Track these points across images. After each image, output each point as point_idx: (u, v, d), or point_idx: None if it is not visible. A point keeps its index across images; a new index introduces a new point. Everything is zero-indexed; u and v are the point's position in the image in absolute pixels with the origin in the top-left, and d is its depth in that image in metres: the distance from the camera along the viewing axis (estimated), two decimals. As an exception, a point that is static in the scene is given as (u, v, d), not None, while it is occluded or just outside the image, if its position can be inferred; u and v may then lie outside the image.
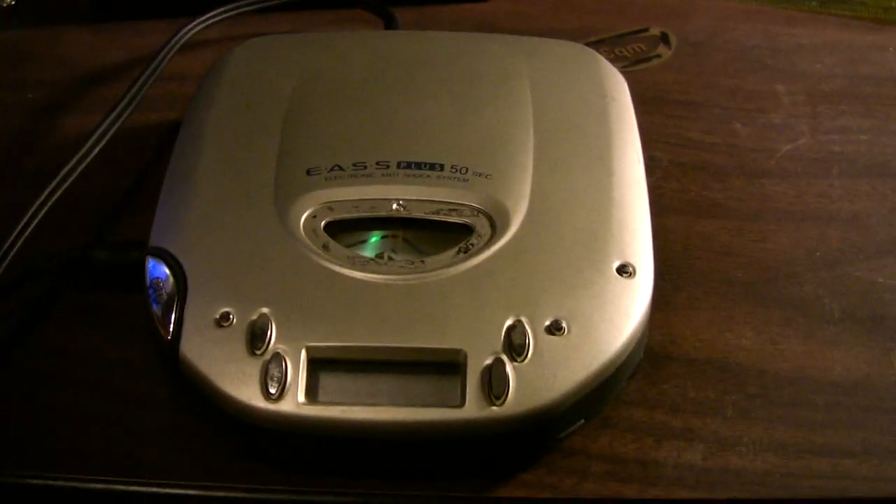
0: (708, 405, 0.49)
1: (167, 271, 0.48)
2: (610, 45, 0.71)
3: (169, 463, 0.47)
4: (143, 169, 0.62)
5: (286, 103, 0.55)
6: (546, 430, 0.45)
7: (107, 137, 0.60)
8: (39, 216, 0.54)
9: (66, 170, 0.57)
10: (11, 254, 0.53)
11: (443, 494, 0.46)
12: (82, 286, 0.55)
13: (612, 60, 0.61)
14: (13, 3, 0.79)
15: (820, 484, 0.46)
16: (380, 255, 0.49)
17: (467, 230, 0.49)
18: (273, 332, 0.45)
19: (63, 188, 0.56)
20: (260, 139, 0.54)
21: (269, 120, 0.55)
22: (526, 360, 0.44)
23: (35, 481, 0.47)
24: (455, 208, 0.50)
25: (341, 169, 0.51)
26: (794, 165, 0.62)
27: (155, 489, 0.47)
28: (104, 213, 0.60)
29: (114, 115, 0.61)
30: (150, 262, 0.49)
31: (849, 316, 0.54)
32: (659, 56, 0.71)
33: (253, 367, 0.44)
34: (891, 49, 0.72)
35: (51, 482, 0.47)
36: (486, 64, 0.58)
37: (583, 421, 0.46)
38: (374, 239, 0.50)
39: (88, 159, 0.58)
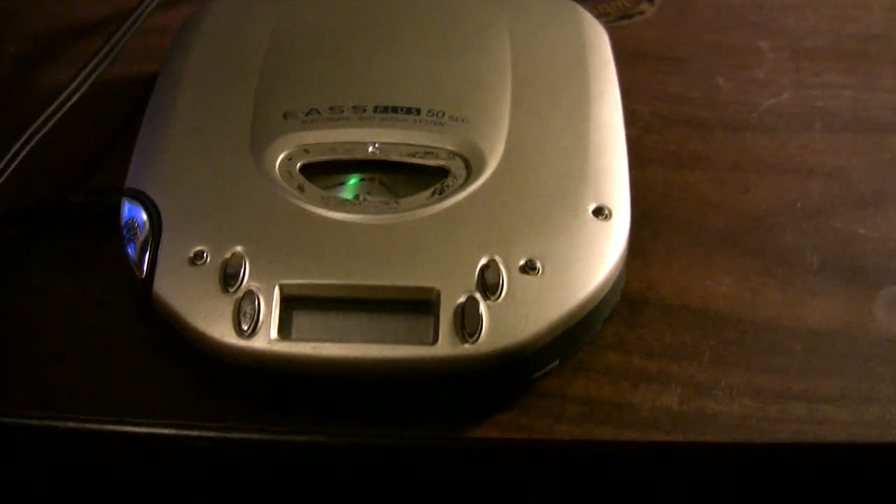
0: (685, 350, 0.49)
1: (142, 212, 0.48)
2: (593, 1, 0.71)
3: (144, 402, 0.47)
4: (122, 120, 0.62)
5: (263, 50, 0.55)
6: (519, 369, 0.45)
7: (84, 87, 0.59)
8: (16, 162, 0.54)
9: (42, 117, 0.56)
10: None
11: (416, 434, 0.46)
12: (60, 230, 0.54)
13: (595, 17, 0.60)
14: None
15: (797, 428, 0.46)
16: (356, 197, 0.48)
17: (443, 173, 0.49)
18: (246, 271, 0.45)
19: (40, 135, 0.56)
20: (236, 85, 0.53)
21: (246, 66, 0.54)
22: (499, 299, 0.44)
23: (9, 420, 0.47)
24: (431, 151, 0.49)
25: (318, 113, 0.51)
26: (777, 120, 0.62)
27: (129, 428, 0.47)
28: (83, 161, 0.59)
29: (92, 65, 0.61)
30: (126, 204, 0.49)
31: (829, 266, 0.53)
32: (642, 13, 0.70)
33: (226, 305, 0.44)
34: (876, 7, 0.71)
35: (25, 421, 0.47)
36: (465, 12, 0.58)
37: (557, 362, 0.46)
38: (350, 181, 0.49)
39: (66, 107, 0.58)
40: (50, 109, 0.57)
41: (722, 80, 0.65)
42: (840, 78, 0.65)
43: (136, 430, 0.46)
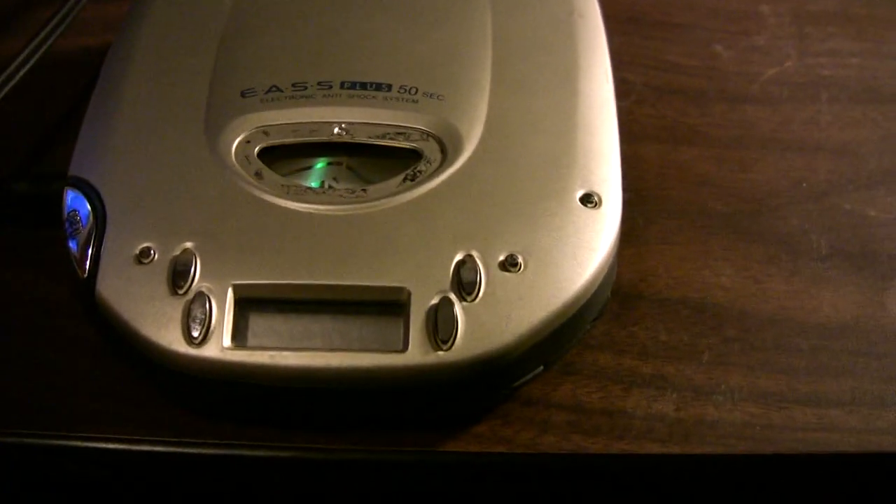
0: (682, 350, 0.46)
1: (86, 203, 0.44)
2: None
3: (89, 411, 0.44)
4: (75, 96, 0.58)
5: (224, 20, 0.51)
6: (499, 378, 0.41)
7: (32, 60, 0.55)
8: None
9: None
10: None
11: (386, 449, 0.43)
12: (2, 220, 0.51)
13: (587, -23, 0.56)
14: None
15: (804, 437, 0.44)
16: (321, 184, 0.44)
17: (415, 156, 0.45)
18: (197, 269, 0.41)
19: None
20: (192, 59, 0.49)
21: (205, 38, 0.50)
22: (476, 300, 0.40)
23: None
24: (402, 132, 0.46)
25: (279, 90, 0.47)
26: (780, 90, 0.58)
27: (74, 442, 0.43)
28: (31, 142, 0.56)
29: (40, 37, 0.57)
30: (68, 194, 0.45)
31: (837, 252, 0.50)
32: (637, -26, 0.66)
33: (174, 308, 0.41)
34: (884, -32, 0.67)
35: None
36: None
37: (541, 368, 0.42)
38: (314, 166, 0.45)
39: (12, 83, 0.54)
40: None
41: (721, 47, 0.61)
42: (847, 45, 0.62)
43: (80, 444, 0.43)
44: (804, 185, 0.53)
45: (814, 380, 0.45)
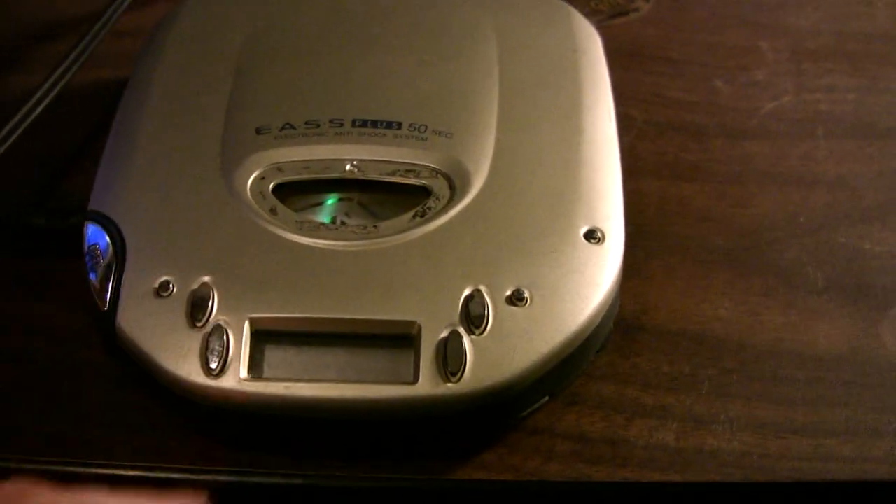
0: (682, 380, 0.47)
1: (105, 237, 0.45)
2: (585, -1, 0.68)
3: (111, 441, 0.45)
4: (92, 129, 0.59)
5: (236, 57, 0.52)
6: (506, 408, 0.42)
7: (51, 95, 0.56)
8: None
9: (7, 129, 0.53)
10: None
11: (397, 476, 0.44)
12: (21, 252, 0.52)
13: (588, 14, 0.57)
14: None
15: (800, 466, 0.44)
16: (332, 220, 0.45)
17: (425, 192, 0.46)
18: (215, 303, 0.42)
19: (5, 147, 0.53)
20: (208, 96, 0.50)
21: (219, 75, 0.51)
22: (485, 333, 0.41)
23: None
24: (412, 169, 0.47)
25: (292, 127, 0.48)
26: (778, 125, 0.59)
27: (94, 470, 0.44)
28: (49, 175, 0.57)
29: (59, 71, 0.58)
30: (89, 228, 0.46)
31: (833, 285, 0.51)
32: (637, 10, 0.68)
33: (193, 340, 0.42)
34: (879, 4, 0.68)
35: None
36: (449, 15, 0.55)
37: (547, 398, 0.44)
38: (326, 202, 0.47)
39: (32, 117, 0.55)
40: (14, 121, 0.54)
41: (720, 82, 0.62)
42: (843, 80, 0.63)
43: (96, 471, 0.44)
44: (801, 218, 0.54)
45: (810, 410, 0.46)
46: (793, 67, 0.63)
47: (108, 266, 0.44)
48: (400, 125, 0.48)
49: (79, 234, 0.46)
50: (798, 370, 0.47)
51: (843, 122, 0.60)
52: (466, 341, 0.41)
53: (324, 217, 0.46)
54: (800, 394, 0.46)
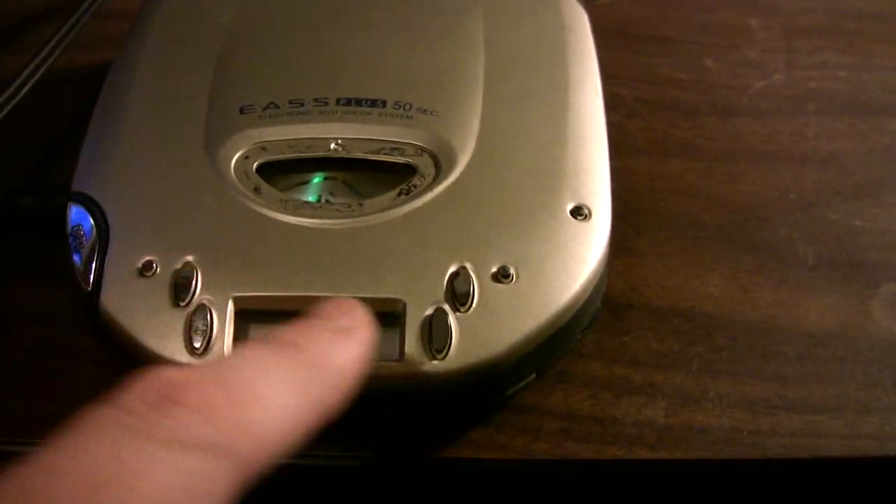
0: (671, 358, 0.47)
1: (89, 218, 0.45)
2: (575, -23, 0.67)
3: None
4: (78, 111, 0.58)
5: (222, 37, 0.52)
6: (493, 385, 0.42)
7: (36, 77, 0.56)
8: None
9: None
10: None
11: (383, 454, 0.43)
12: (7, 234, 0.52)
13: (577, -8, 0.57)
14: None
15: (790, 442, 0.44)
16: (318, 199, 0.45)
17: (410, 170, 0.45)
18: (198, 282, 0.42)
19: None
20: (192, 76, 0.50)
21: (203, 55, 0.51)
22: (470, 310, 0.41)
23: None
24: (397, 147, 0.46)
25: (276, 107, 0.48)
26: (768, 103, 0.59)
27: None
28: (34, 157, 0.57)
29: (44, 53, 0.57)
30: (72, 209, 0.46)
31: (824, 261, 0.51)
32: (627, -11, 0.67)
33: (176, 320, 0.41)
34: (872, -19, 0.68)
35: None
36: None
37: (534, 376, 0.43)
38: (311, 181, 0.46)
39: (16, 100, 0.55)
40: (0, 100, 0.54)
41: (711, 61, 0.62)
42: (835, 58, 0.63)
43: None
44: (792, 195, 0.54)
45: (801, 386, 0.46)
46: (784, 45, 0.63)
47: (92, 247, 0.44)
48: (385, 104, 0.48)
49: (62, 216, 0.46)
50: (788, 347, 0.47)
51: (835, 100, 0.60)
52: (452, 319, 0.41)
53: (309, 196, 0.45)
54: (790, 370, 0.46)
